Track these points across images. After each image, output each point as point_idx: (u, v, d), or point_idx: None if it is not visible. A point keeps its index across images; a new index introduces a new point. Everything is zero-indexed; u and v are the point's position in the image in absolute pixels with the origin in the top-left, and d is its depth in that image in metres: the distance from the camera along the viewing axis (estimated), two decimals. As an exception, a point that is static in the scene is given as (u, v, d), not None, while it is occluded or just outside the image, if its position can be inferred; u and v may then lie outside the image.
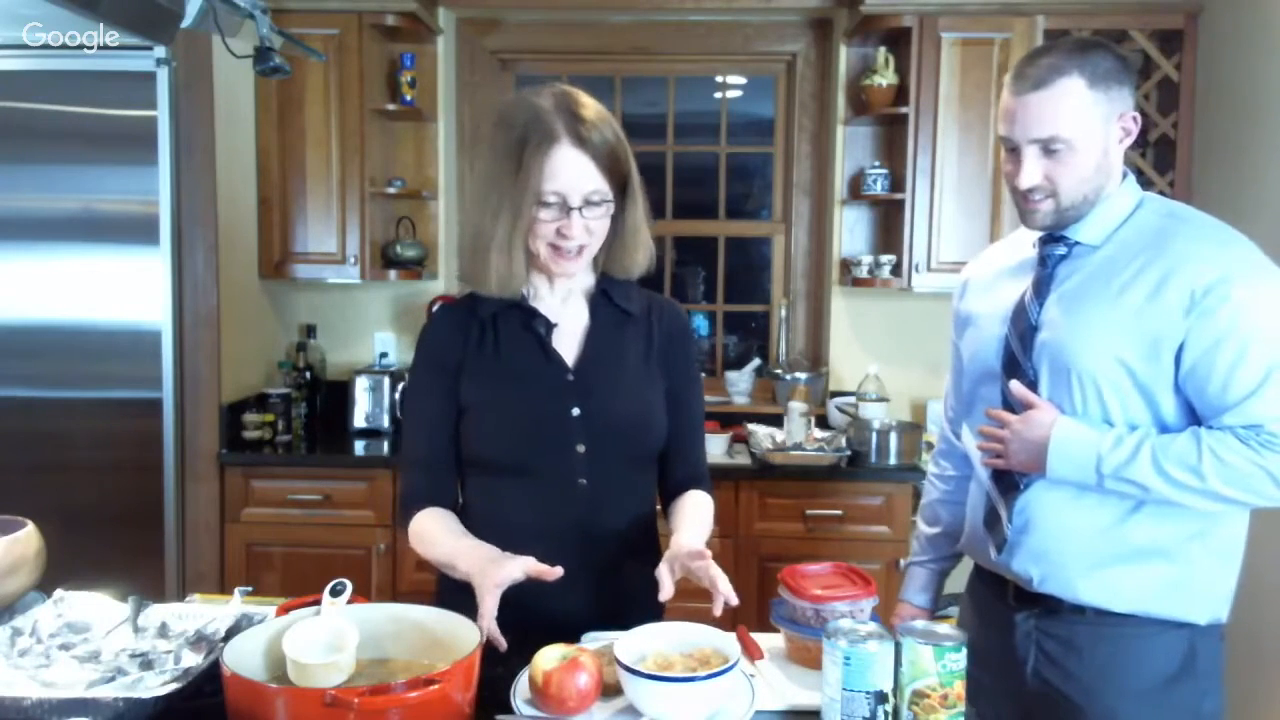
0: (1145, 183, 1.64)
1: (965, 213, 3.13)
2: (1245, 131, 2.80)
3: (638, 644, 1.22)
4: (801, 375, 3.37)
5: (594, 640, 1.35)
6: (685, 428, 1.58)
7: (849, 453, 2.99)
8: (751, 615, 2.42)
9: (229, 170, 3.05)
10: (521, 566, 1.30)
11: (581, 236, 1.42)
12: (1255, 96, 2.75)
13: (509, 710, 1.18)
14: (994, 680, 1.49)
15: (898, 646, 1.13)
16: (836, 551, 2.86)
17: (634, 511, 1.54)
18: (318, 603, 1.24)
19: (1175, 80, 3.09)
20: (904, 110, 3.13)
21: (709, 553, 1.32)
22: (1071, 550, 1.47)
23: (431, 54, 3.50)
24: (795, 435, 3.06)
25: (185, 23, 1.72)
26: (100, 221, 2.94)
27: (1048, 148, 1.44)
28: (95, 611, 1.34)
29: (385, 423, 3.35)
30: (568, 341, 1.52)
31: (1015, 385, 1.50)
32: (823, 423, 3.32)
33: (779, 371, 3.49)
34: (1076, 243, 1.51)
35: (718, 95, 3.78)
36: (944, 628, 1.16)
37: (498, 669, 1.24)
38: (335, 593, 1.24)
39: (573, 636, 1.34)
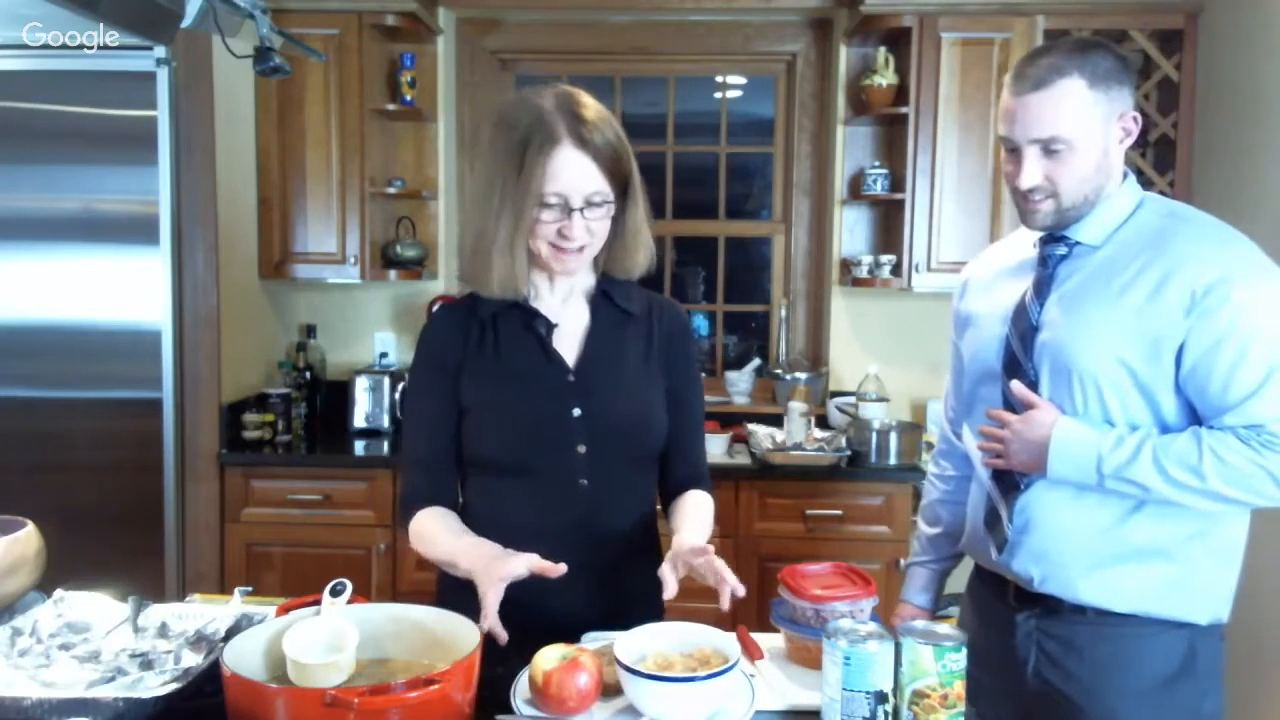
0: (1145, 183, 1.64)
1: (965, 213, 3.13)
2: (1245, 131, 2.80)
3: (638, 644, 1.22)
4: (801, 375, 3.37)
5: (594, 640, 1.35)
6: (685, 428, 1.58)
7: (849, 453, 2.99)
8: (751, 615, 2.42)
9: (229, 170, 3.05)
10: (525, 563, 1.30)
11: (583, 237, 1.42)
12: (1255, 96, 2.75)
13: (509, 710, 1.18)
14: (994, 680, 1.49)
15: (898, 646, 1.13)
16: (836, 551, 2.86)
17: (634, 511, 1.54)
18: (318, 603, 1.24)
19: (1175, 80, 3.09)
20: (904, 110, 3.13)
21: (711, 548, 1.32)
22: (1072, 550, 1.47)
23: (431, 54, 3.50)
24: (795, 435, 3.06)
25: (185, 23, 1.72)
26: (100, 221, 2.94)
27: (1048, 148, 1.44)
28: (95, 611, 1.34)
29: (385, 423, 3.35)
30: (568, 342, 1.52)
31: (1016, 385, 1.50)
32: (823, 423, 3.32)
33: (779, 371, 3.49)
34: (1077, 243, 1.51)
35: (718, 95, 3.78)
36: (944, 628, 1.16)
37: (498, 669, 1.24)
38: (335, 593, 1.24)
39: (573, 636, 1.34)
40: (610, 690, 1.21)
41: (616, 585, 1.49)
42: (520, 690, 1.22)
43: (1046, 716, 1.53)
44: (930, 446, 2.79)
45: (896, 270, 3.22)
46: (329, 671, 1.14)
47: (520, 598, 1.29)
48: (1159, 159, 3.18)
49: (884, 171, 3.28)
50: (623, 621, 1.31)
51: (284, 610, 1.24)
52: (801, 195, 3.62)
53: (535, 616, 1.32)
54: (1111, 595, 1.46)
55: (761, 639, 1.43)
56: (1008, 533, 1.53)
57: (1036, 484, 1.50)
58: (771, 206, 3.74)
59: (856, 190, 3.38)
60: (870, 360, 3.35)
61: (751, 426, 3.23)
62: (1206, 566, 1.46)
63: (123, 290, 2.97)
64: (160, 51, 2.84)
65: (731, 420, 3.33)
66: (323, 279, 3.40)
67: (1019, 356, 1.52)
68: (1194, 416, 1.43)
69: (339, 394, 3.43)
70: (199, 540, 3.01)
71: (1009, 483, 1.53)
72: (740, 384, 3.60)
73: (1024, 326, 1.52)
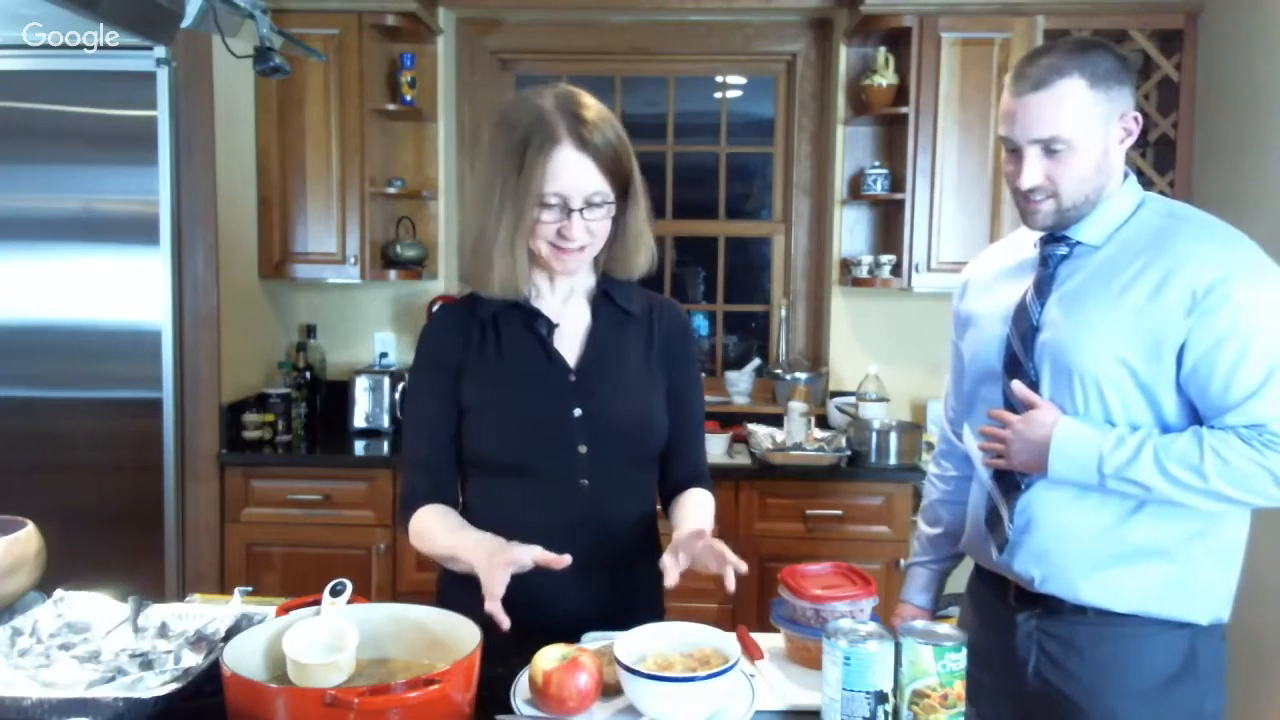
0: (1145, 183, 1.65)
1: (965, 213, 3.13)
2: (1245, 131, 2.80)
3: (638, 644, 1.22)
4: (801, 375, 3.37)
5: (594, 640, 1.35)
6: (686, 427, 1.58)
7: (849, 453, 2.99)
8: (751, 615, 2.43)
9: (229, 170, 3.05)
10: (529, 553, 1.29)
11: (582, 238, 1.42)
12: (1255, 96, 2.75)
13: (509, 710, 1.18)
14: (994, 680, 1.49)
15: (898, 646, 1.13)
16: (836, 551, 2.86)
17: (635, 511, 1.54)
18: (318, 603, 1.24)
19: (1175, 80, 3.09)
20: (904, 110, 3.13)
21: (708, 531, 1.32)
22: (1073, 550, 1.47)
23: (431, 54, 3.50)
24: (795, 435, 3.06)
25: (185, 23, 1.72)
26: (100, 221, 2.94)
27: (1048, 148, 1.44)
28: (95, 611, 1.34)
29: (385, 423, 3.35)
30: (569, 342, 1.52)
31: (1017, 385, 1.50)
32: (823, 423, 3.32)
33: (779, 371, 3.49)
34: (1078, 243, 1.51)
35: (718, 95, 3.78)
36: (944, 628, 1.16)
37: (498, 669, 1.24)
38: (335, 593, 1.24)
39: (573, 636, 1.34)
40: (610, 690, 1.21)
41: (617, 585, 1.49)
42: (520, 690, 1.22)
43: (1047, 717, 1.53)
44: (930, 446, 2.79)
45: (896, 270, 3.22)
46: (329, 671, 1.14)
47: (520, 597, 1.29)
48: (1159, 159, 3.18)
49: (884, 171, 3.28)
50: (623, 621, 1.31)
51: (284, 610, 1.24)
52: (801, 195, 3.62)
53: (535, 616, 1.32)
54: (1112, 595, 1.46)
55: (761, 639, 1.43)
56: (1009, 533, 1.53)
57: (1037, 484, 1.50)
58: (771, 206, 3.74)
59: (856, 190, 3.38)
60: (870, 360, 3.35)
61: (751, 426, 3.23)
62: (1207, 566, 1.46)
63: (123, 290, 2.97)
64: (160, 51, 2.84)
65: (731, 420, 3.33)
66: (323, 279, 3.40)
67: (1020, 356, 1.52)
68: (1195, 416, 1.43)
69: (339, 394, 3.43)
70: (199, 540, 3.01)
71: (1010, 483, 1.53)
72: (740, 384, 3.60)
73: (1025, 326, 1.52)
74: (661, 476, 1.59)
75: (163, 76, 2.87)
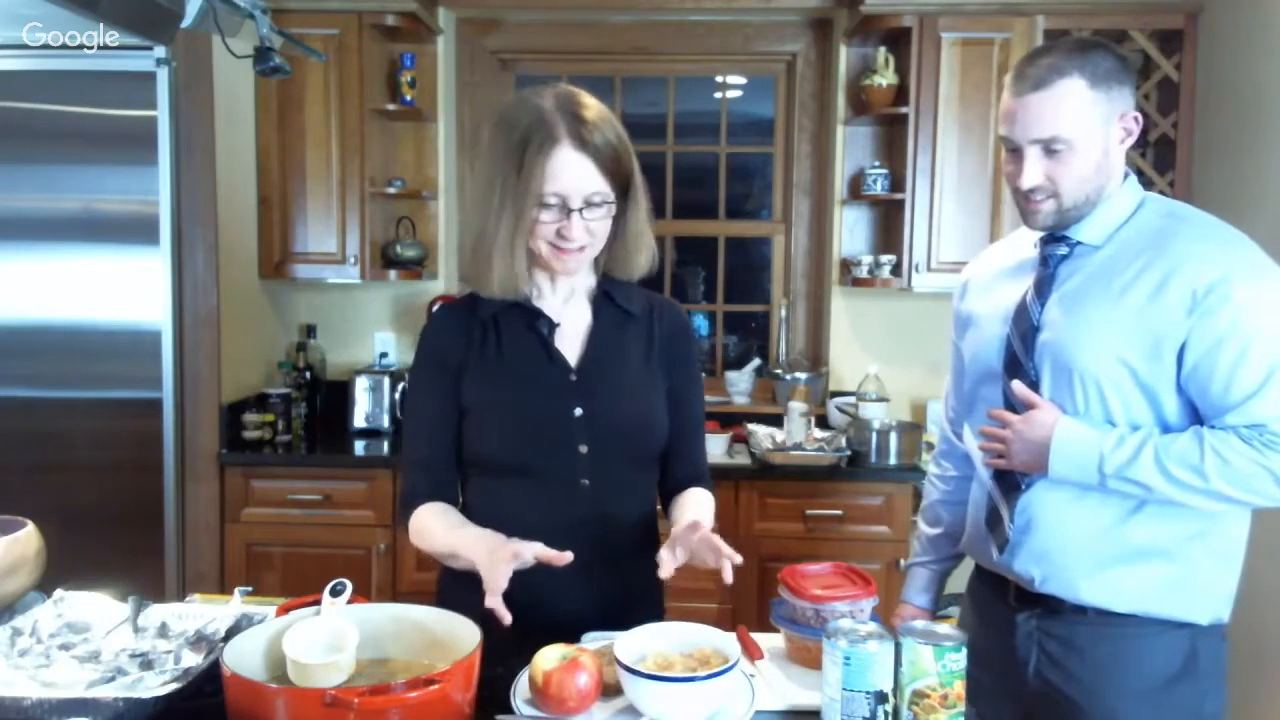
0: (1145, 183, 1.64)
1: (965, 213, 3.13)
2: (1245, 131, 2.80)
3: (638, 644, 1.22)
4: (801, 375, 3.37)
5: (594, 640, 1.35)
6: (686, 427, 1.58)
7: (849, 453, 2.99)
8: (751, 615, 2.43)
9: (229, 170, 3.05)
10: (531, 549, 1.29)
11: (582, 238, 1.42)
12: (1255, 96, 2.75)
13: (509, 710, 1.18)
14: (994, 680, 1.49)
15: (898, 646, 1.13)
16: (836, 551, 2.86)
17: (635, 511, 1.54)
18: (318, 603, 1.24)
19: (1175, 80, 3.09)
20: (904, 110, 3.13)
21: (703, 524, 1.33)
22: (1073, 550, 1.47)
23: (431, 54, 3.50)
24: (795, 435, 3.06)
25: (185, 23, 1.72)
26: (100, 221, 2.94)
27: (1049, 148, 1.44)
28: (95, 611, 1.34)
29: (385, 423, 3.35)
30: (570, 342, 1.52)
31: (1017, 385, 1.50)
32: (823, 423, 3.32)
33: (779, 371, 3.49)
34: (1078, 243, 1.51)
35: (718, 95, 3.78)
36: (944, 628, 1.16)
37: (498, 669, 1.24)
38: (335, 593, 1.24)
39: (573, 636, 1.34)
40: (610, 690, 1.21)
41: (617, 585, 1.49)
42: (520, 690, 1.22)
43: (1047, 717, 1.53)
44: (930, 446, 2.79)
45: (896, 270, 3.22)
46: (329, 671, 1.14)
47: (521, 597, 1.29)
48: (1159, 159, 3.18)
49: (884, 171, 3.28)
50: (623, 621, 1.31)
51: (284, 610, 1.24)
52: (801, 195, 3.62)
53: (535, 616, 1.32)
54: (1112, 595, 1.46)
55: (761, 639, 1.43)
56: (1009, 533, 1.53)
57: (1038, 484, 1.50)
58: (771, 206, 3.74)
59: (856, 190, 3.38)
60: (870, 360, 3.35)
61: (751, 426, 3.23)
62: (1207, 567, 1.46)
63: (123, 290, 2.97)
64: (160, 51, 2.84)
65: (731, 420, 3.33)
66: (323, 279, 3.40)
67: (1020, 356, 1.52)
68: (1195, 416, 1.42)
69: (339, 394, 3.43)
70: (199, 540, 3.01)
71: (1010, 483, 1.53)
72: (740, 384, 3.60)
73: (1025, 326, 1.52)
74: (662, 476, 1.59)
75: (163, 76, 2.87)
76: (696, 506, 1.53)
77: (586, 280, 1.56)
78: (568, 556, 1.29)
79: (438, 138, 3.54)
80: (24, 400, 3.00)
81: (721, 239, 3.78)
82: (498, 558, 1.28)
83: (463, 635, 1.18)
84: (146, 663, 1.20)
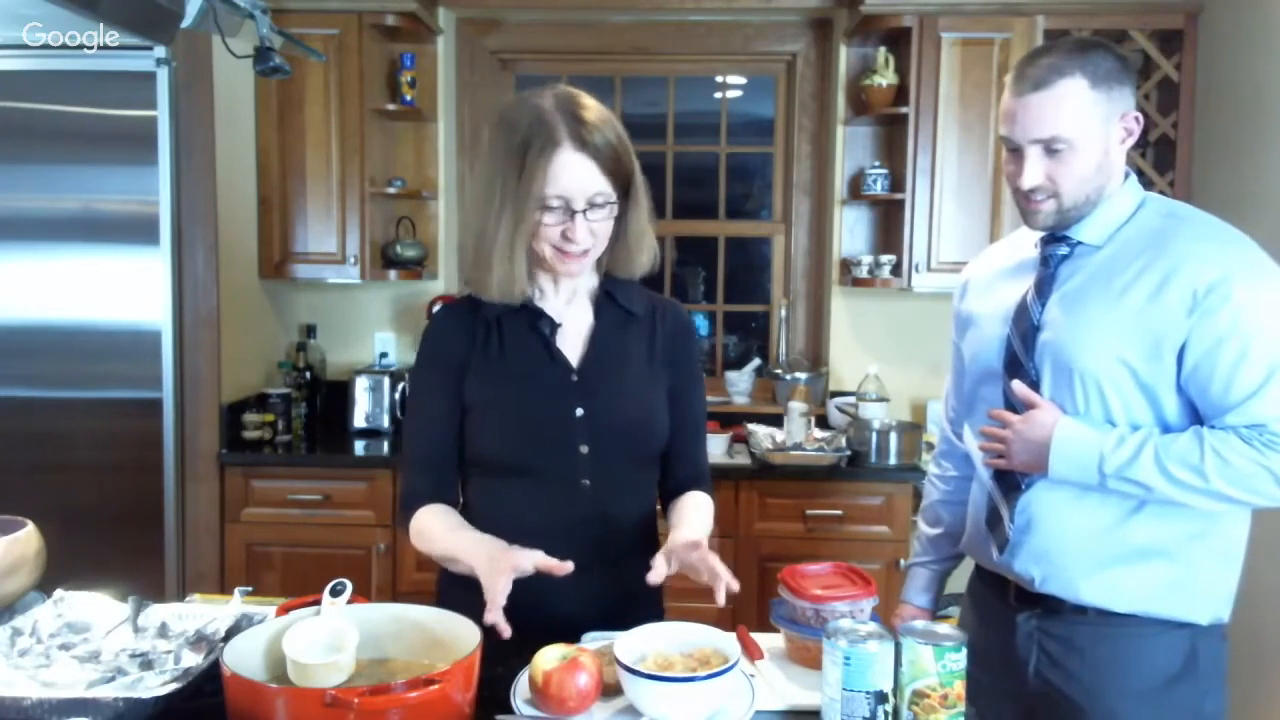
0: (1145, 183, 1.64)
1: (965, 213, 3.13)
2: (1245, 131, 2.80)
3: (638, 644, 1.22)
4: (801, 375, 3.37)
5: (594, 640, 1.35)
6: (687, 427, 1.58)
7: (849, 453, 2.99)
8: (751, 615, 2.43)
9: (229, 170, 3.05)
10: (531, 558, 1.29)
11: (586, 240, 1.41)
12: (1255, 96, 2.75)
13: (509, 710, 1.18)
14: (994, 680, 1.49)
15: (898, 646, 1.13)
16: (836, 551, 2.86)
17: (636, 511, 1.54)
18: (318, 603, 1.24)
19: (1175, 80, 3.09)
20: (904, 110, 3.13)
21: (704, 543, 1.32)
22: (1073, 550, 1.47)
23: (431, 54, 3.50)
24: (795, 435, 3.06)
25: (185, 23, 1.72)
26: (100, 221, 2.94)
27: (1049, 148, 1.44)
28: (95, 611, 1.34)
29: (385, 423, 3.35)
30: (572, 342, 1.52)
31: (1017, 385, 1.50)
32: (823, 423, 3.32)
33: (779, 371, 3.49)
34: (1078, 243, 1.51)
35: (718, 95, 3.78)
36: (944, 628, 1.16)
37: (498, 669, 1.24)
38: (335, 593, 1.24)
39: (573, 636, 1.34)
40: (610, 690, 1.21)
41: (617, 585, 1.48)
42: (520, 690, 1.22)
43: (1047, 717, 1.53)
44: (930, 446, 2.79)
45: (896, 270, 3.22)
46: (329, 671, 1.14)
47: (521, 597, 1.29)
48: (1159, 159, 3.18)
49: (884, 171, 3.28)
50: (623, 621, 1.31)
51: (284, 610, 1.24)
52: (801, 195, 3.62)
53: (535, 616, 1.32)
54: (1112, 595, 1.46)
55: (761, 639, 1.43)
56: (1009, 533, 1.53)
57: (1038, 484, 1.50)
58: (771, 206, 3.74)
59: (856, 190, 3.38)
60: (870, 360, 3.35)
61: (751, 426, 3.23)
62: (1207, 566, 1.46)
63: (123, 290, 2.97)
64: (160, 51, 2.84)
65: (731, 420, 3.33)
66: (323, 279, 3.40)
67: (1020, 356, 1.52)
68: (1195, 416, 1.42)
69: (339, 394, 3.43)
70: (199, 540, 3.01)
71: (1010, 483, 1.53)
72: (740, 384, 3.60)
73: (1025, 326, 1.52)
74: (662, 476, 1.59)
75: (163, 76, 2.87)
76: (696, 513, 1.52)
77: (589, 281, 1.56)
78: (568, 566, 1.30)
79: (438, 138, 3.54)
80: (24, 400, 3.00)
81: (721, 239, 3.78)
82: (497, 569, 1.28)
83: (463, 635, 1.18)
84: (146, 663, 1.20)
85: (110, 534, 2.94)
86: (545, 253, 1.44)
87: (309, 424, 3.40)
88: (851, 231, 3.48)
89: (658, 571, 1.31)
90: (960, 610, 1.77)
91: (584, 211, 1.39)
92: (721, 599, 1.27)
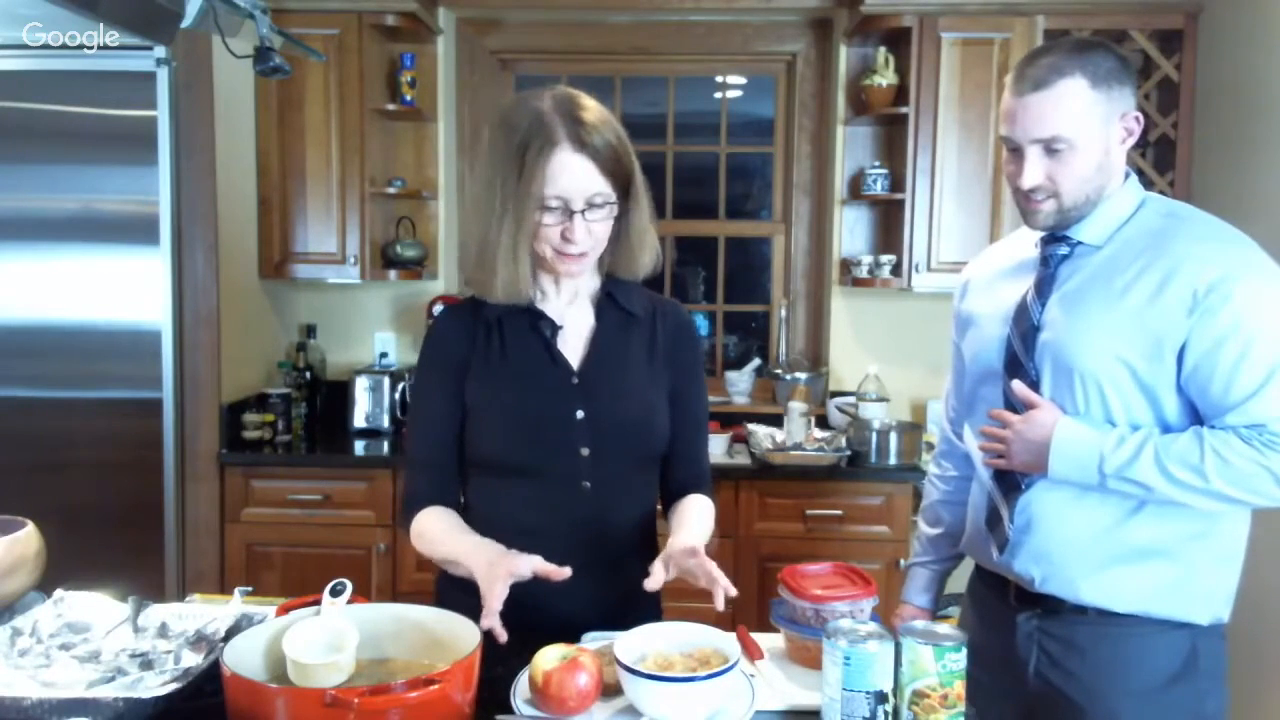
0: (1145, 183, 1.64)
1: (965, 213, 3.13)
2: (1245, 131, 2.80)
3: (638, 644, 1.22)
4: (801, 375, 3.37)
5: (594, 640, 1.35)
6: (688, 429, 1.58)
7: (849, 453, 2.99)
8: (751, 615, 2.43)
9: (229, 170, 3.05)
10: (529, 564, 1.30)
11: (584, 240, 1.41)
12: (1255, 96, 2.75)
13: (509, 710, 1.18)
14: (994, 680, 1.49)
15: (898, 646, 1.13)
16: (836, 551, 2.86)
17: (636, 513, 1.54)
18: (318, 603, 1.24)
19: (1175, 80, 3.09)
20: (904, 110, 3.13)
21: (702, 549, 1.33)
22: (1073, 550, 1.47)
23: (431, 54, 3.50)
24: (795, 435, 3.06)
25: (185, 23, 1.72)
26: (100, 221, 2.94)
27: (1049, 148, 1.44)
28: (95, 611, 1.34)
29: (385, 423, 3.35)
30: (573, 344, 1.52)
31: (1017, 385, 1.50)
32: (823, 423, 3.32)
33: (779, 371, 3.49)
34: (1079, 242, 1.51)
35: (718, 95, 3.78)
36: (944, 628, 1.16)
37: (498, 669, 1.24)
38: (335, 593, 1.24)
39: (573, 636, 1.34)
40: (610, 690, 1.21)
41: (617, 586, 1.48)
42: (520, 690, 1.22)
43: (1047, 717, 1.53)
44: (930, 446, 2.79)
45: (896, 270, 3.22)
46: (329, 671, 1.14)
47: (521, 598, 1.29)
48: (1159, 159, 3.18)
49: (884, 171, 3.28)
50: (623, 621, 1.31)
51: (284, 610, 1.24)
52: (801, 195, 3.62)
53: (535, 616, 1.32)
54: (1112, 595, 1.46)
55: (761, 639, 1.43)
56: (1009, 533, 1.53)
57: (1038, 484, 1.50)
58: (771, 206, 3.74)
59: (856, 190, 3.38)
60: (870, 360, 3.35)
61: (751, 426, 3.23)
62: (1207, 567, 1.46)
63: (123, 290, 2.97)
64: (160, 51, 2.84)
65: (731, 420, 3.33)
66: (323, 279, 3.40)
67: (1020, 356, 1.52)
68: (1195, 416, 1.42)
69: (339, 394, 3.43)
70: (199, 540, 3.01)
71: (1010, 483, 1.53)
72: (740, 384, 3.60)
73: (1025, 326, 1.52)
74: (663, 477, 1.59)
75: (163, 76, 2.87)
76: (696, 517, 1.51)
77: (590, 282, 1.56)
78: (565, 572, 1.30)
79: (438, 138, 3.54)
80: (24, 400, 3.00)
81: (721, 239, 3.78)
82: (495, 575, 1.28)
83: (463, 635, 1.18)
84: (146, 663, 1.20)
85: (110, 534, 2.94)
86: (545, 253, 1.44)
87: (309, 424, 3.40)
88: (851, 231, 3.48)
89: (655, 578, 1.31)
90: (960, 610, 1.77)
91: (582, 212, 1.39)
92: (720, 604, 1.27)
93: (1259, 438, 1.36)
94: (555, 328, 1.51)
